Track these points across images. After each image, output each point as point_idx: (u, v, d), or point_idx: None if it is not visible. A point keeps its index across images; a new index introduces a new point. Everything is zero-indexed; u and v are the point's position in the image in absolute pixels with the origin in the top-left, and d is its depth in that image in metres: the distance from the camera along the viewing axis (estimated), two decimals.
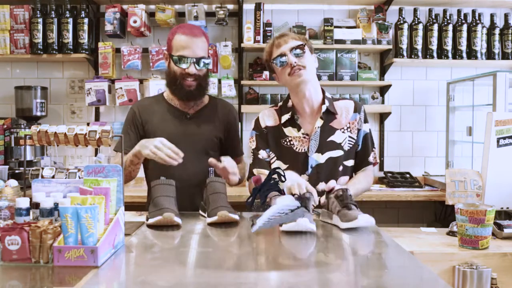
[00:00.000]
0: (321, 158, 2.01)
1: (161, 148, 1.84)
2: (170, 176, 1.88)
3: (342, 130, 2.03)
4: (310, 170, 2.01)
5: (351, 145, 2.04)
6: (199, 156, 2.09)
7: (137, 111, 2.18)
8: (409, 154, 3.83)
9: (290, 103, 2.06)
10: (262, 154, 2.08)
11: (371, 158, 2.09)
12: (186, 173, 2.04)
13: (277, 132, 2.06)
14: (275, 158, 2.06)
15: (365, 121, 2.09)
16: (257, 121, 2.12)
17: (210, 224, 1.68)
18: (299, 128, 2.03)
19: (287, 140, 2.03)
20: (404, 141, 3.83)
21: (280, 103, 2.12)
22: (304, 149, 2.01)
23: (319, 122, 2.01)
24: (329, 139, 2.01)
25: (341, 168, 2.03)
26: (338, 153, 2.02)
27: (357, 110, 2.07)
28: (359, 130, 2.06)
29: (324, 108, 2.01)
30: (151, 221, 1.66)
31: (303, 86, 1.97)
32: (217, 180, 1.83)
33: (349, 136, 2.04)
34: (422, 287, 1.15)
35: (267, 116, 2.10)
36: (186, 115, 2.16)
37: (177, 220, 1.64)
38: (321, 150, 2.01)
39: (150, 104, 2.21)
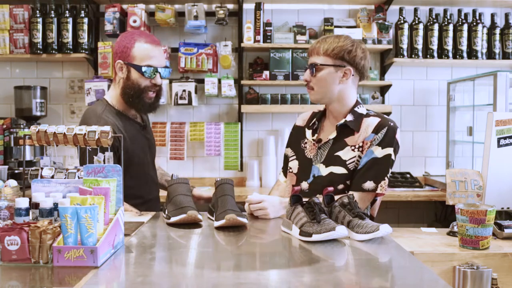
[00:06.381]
0: (324, 171, 1.89)
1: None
2: (146, 189, 2.01)
3: (353, 148, 1.87)
4: (311, 178, 1.93)
5: (356, 166, 1.86)
6: (154, 164, 2.18)
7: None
8: (409, 154, 3.83)
9: (324, 107, 2.03)
10: (287, 151, 2.09)
11: (368, 185, 1.82)
12: (155, 182, 2.14)
13: (300, 132, 2.05)
14: (294, 157, 2.03)
15: (384, 145, 1.83)
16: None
17: (218, 228, 1.61)
18: (314, 133, 1.98)
19: (304, 142, 2.01)
20: (404, 141, 3.81)
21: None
22: (310, 156, 1.96)
23: (333, 134, 1.92)
24: (336, 153, 1.89)
25: (341, 186, 1.87)
26: (340, 170, 1.86)
27: (376, 130, 1.85)
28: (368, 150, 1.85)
29: (342, 121, 1.90)
30: (174, 219, 1.65)
31: (318, 102, 1.95)
32: (226, 181, 1.77)
33: (358, 156, 1.86)
34: (422, 287, 1.15)
35: (302, 116, 2.12)
36: (142, 126, 2.10)
37: (200, 217, 1.66)
38: (326, 162, 1.90)
39: (118, 123, 1.97)
